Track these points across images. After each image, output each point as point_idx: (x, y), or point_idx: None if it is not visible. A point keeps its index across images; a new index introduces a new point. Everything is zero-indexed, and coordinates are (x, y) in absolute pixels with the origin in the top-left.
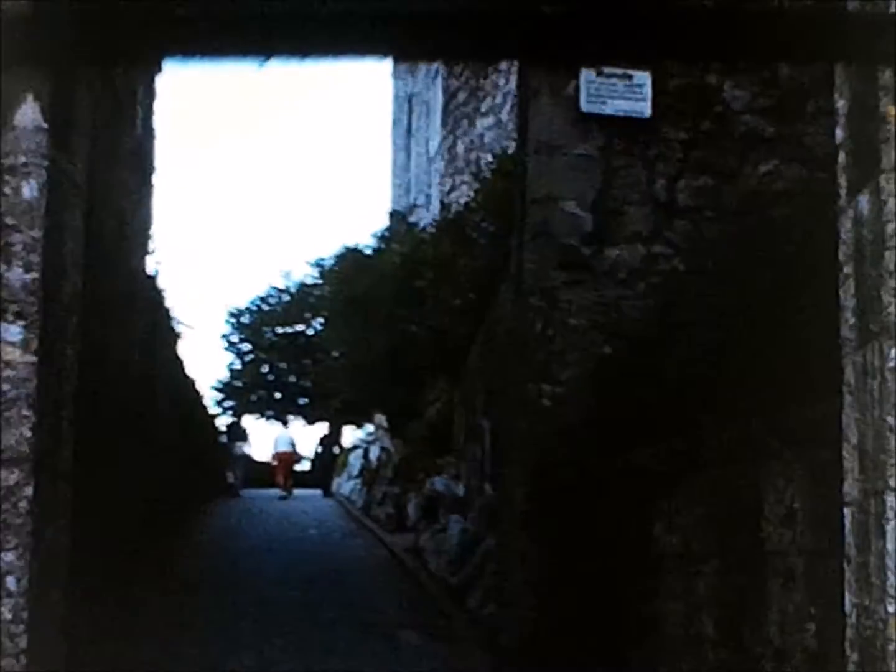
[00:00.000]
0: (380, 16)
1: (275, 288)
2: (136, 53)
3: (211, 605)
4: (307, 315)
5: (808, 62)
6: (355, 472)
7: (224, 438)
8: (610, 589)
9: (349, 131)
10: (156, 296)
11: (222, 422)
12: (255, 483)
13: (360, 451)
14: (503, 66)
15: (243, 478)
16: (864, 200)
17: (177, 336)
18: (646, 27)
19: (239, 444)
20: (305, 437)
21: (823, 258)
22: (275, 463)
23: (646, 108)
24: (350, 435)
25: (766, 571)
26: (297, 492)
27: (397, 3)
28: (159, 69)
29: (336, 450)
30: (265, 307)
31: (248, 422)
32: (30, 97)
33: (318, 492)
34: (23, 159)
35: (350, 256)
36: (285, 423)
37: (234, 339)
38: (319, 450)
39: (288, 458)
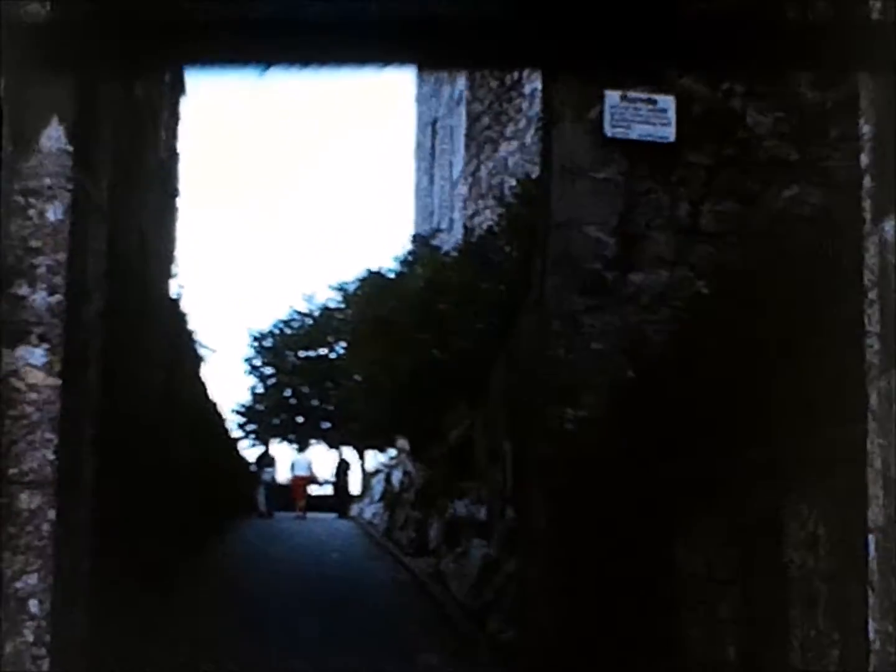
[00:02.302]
0: (399, 22)
1: (297, 311)
2: (154, 59)
3: (232, 626)
4: (330, 338)
5: (832, 71)
6: (377, 496)
7: (254, 464)
8: (632, 613)
9: (373, 155)
10: (178, 318)
11: (244, 445)
12: (278, 506)
13: (382, 475)
14: (527, 90)
15: (268, 500)
16: (889, 225)
17: (199, 359)
18: (667, 36)
19: (267, 469)
20: (328, 460)
21: (848, 283)
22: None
23: (670, 133)
24: (372, 459)
25: (789, 596)
26: (318, 515)
27: (416, 10)
28: (183, 91)
29: (350, 476)
30: (288, 330)
31: (277, 448)
32: (54, 119)
33: (335, 514)
34: (47, 182)
35: (373, 280)
36: (302, 447)
37: (257, 362)
38: (335, 476)
39: (304, 482)
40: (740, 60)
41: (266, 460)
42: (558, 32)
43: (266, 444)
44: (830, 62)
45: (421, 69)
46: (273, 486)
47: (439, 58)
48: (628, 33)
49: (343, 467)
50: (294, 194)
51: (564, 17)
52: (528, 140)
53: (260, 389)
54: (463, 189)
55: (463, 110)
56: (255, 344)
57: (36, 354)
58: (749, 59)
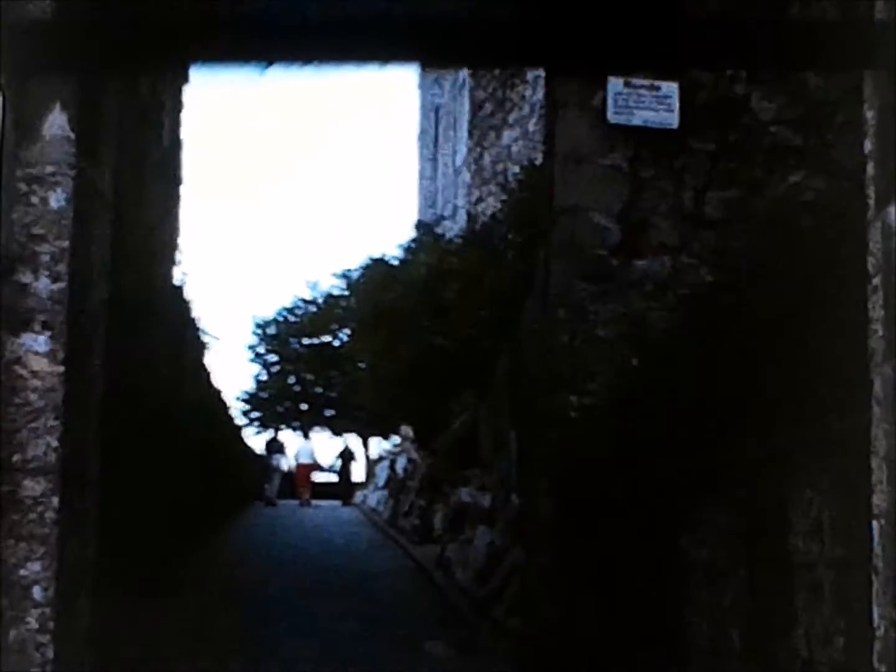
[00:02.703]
0: (400, 21)
1: (301, 299)
2: (155, 58)
3: (238, 614)
4: (334, 326)
5: (837, 70)
6: (382, 483)
7: (264, 452)
8: (636, 601)
9: (376, 143)
10: (182, 306)
11: (249, 432)
12: (285, 493)
13: (386, 463)
14: (530, 77)
15: (278, 488)
16: (892, 212)
17: (203, 347)
18: (674, 37)
19: (276, 456)
20: (332, 448)
21: (851, 270)
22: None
23: (673, 120)
24: (377, 446)
25: (794, 584)
26: (322, 502)
27: (419, 9)
28: (186, 79)
29: (354, 463)
30: (292, 318)
31: (286, 436)
32: (57, 106)
33: (339, 502)
34: (50, 169)
35: (377, 267)
36: (306, 435)
37: (261, 350)
38: (338, 463)
39: (308, 470)
40: (744, 60)
41: (275, 446)
42: (560, 33)
43: (275, 430)
44: (835, 61)
45: (423, 68)
46: (280, 472)
47: (441, 57)
48: (630, 34)
49: (347, 455)
50: (298, 182)
51: (566, 17)
52: (531, 127)
53: (264, 377)
54: (466, 176)
55: (466, 97)
56: (259, 331)
57: (39, 342)
58: (753, 58)
